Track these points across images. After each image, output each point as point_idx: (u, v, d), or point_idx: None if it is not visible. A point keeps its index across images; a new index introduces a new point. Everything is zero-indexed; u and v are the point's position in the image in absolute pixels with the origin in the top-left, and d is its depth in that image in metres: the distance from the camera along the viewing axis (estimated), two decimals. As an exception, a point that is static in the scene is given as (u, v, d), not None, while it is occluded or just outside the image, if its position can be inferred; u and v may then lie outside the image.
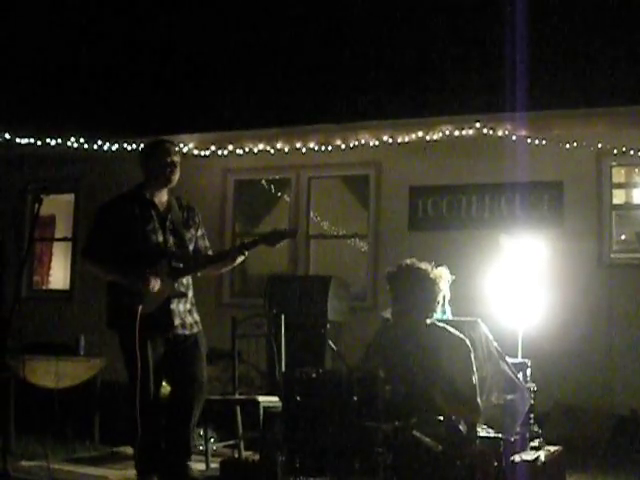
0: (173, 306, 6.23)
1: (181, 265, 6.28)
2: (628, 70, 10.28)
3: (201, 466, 7.37)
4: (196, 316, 6.42)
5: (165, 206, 6.38)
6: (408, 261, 5.52)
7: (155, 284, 6.10)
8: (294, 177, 12.23)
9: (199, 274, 6.53)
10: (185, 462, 6.33)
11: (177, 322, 6.22)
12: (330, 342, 9.59)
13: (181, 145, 11.68)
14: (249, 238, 7.35)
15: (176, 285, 6.25)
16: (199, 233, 6.51)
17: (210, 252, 6.56)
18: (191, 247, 6.41)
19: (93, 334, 9.31)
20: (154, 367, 6.19)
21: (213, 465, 7.26)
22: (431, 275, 5.46)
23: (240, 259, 6.37)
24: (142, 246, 6.22)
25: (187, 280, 6.38)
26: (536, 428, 6.94)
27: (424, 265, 5.49)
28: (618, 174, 11.01)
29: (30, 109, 12.71)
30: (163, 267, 6.18)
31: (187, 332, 6.29)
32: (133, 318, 5.97)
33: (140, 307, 6.02)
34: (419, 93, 11.00)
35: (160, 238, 6.26)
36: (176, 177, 6.36)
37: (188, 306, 6.36)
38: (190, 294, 6.42)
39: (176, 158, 6.35)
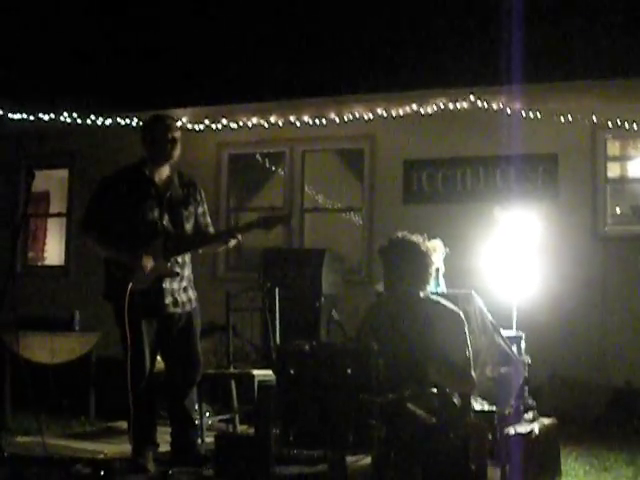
0: (165, 285, 6.22)
1: (175, 244, 6.26)
2: (623, 42, 10.25)
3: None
4: (191, 293, 6.41)
5: (165, 183, 6.36)
6: (399, 234, 5.50)
7: (147, 263, 6.09)
8: (288, 151, 12.20)
9: (200, 251, 6.55)
10: (193, 439, 6.39)
11: (168, 300, 6.21)
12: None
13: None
14: (243, 220, 7.30)
15: (169, 264, 6.23)
16: (200, 210, 6.48)
17: (211, 229, 6.55)
18: (189, 225, 6.39)
19: (88, 309, 9.32)
20: (149, 343, 6.21)
21: (208, 439, 7.26)
22: (422, 247, 5.43)
23: (233, 242, 6.37)
24: (137, 223, 6.21)
25: (183, 258, 6.37)
26: (530, 401, 6.96)
27: (415, 238, 5.47)
28: (613, 147, 10.98)
29: (22, 84, 12.65)
30: (157, 246, 6.17)
31: (179, 310, 6.29)
32: (124, 294, 5.99)
33: (130, 284, 6.02)
34: (413, 66, 10.96)
35: (156, 216, 6.25)
36: (177, 153, 6.35)
37: (184, 283, 6.35)
38: (187, 272, 6.42)
39: (176, 134, 6.35)
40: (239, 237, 6.34)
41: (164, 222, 6.25)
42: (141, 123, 11.32)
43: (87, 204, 6.42)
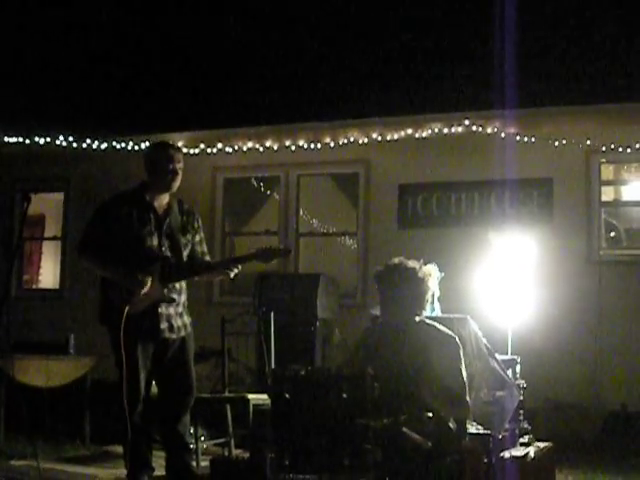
0: (161, 310, 6.21)
1: (173, 271, 6.26)
2: (617, 67, 10.31)
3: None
4: (186, 319, 6.41)
5: (164, 209, 6.35)
6: (396, 260, 5.52)
7: (146, 280, 6.09)
8: (283, 175, 12.22)
9: (197, 278, 6.56)
10: (187, 461, 6.39)
11: (164, 326, 6.21)
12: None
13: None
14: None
15: (166, 290, 6.23)
16: (197, 238, 6.48)
17: (207, 257, 6.55)
18: (186, 252, 6.38)
19: (83, 333, 9.31)
20: (145, 367, 6.20)
21: (203, 463, 7.25)
22: (419, 273, 5.46)
23: (232, 273, 6.36)
24: (136, 248, 6.20)
25: (180, 284, 6.36)
26: (526, 424, 6.94)
27: (412, 263, 5.49)
28: (607, 171, 11.02)
29: (18, 108, 12.68)
30: (154, 271, 6.17)
31: (174, 335, 6.28)
32: (120, 318, 5.99)
33: (127, 308, 6.03)
34: (408, 91, 11.00)
35: (155, 242, 6.24)
36: (177, 184, 6.32)
37: (179, 309, 6.34)
38: (183, 297, 6.41)
39: (179, 165, 6.31)
40: (239, 267, 6.34)
41: (162, 248, 6.25)
42: (137, 147, 11.47)
43: (85, 227, 6.41)
